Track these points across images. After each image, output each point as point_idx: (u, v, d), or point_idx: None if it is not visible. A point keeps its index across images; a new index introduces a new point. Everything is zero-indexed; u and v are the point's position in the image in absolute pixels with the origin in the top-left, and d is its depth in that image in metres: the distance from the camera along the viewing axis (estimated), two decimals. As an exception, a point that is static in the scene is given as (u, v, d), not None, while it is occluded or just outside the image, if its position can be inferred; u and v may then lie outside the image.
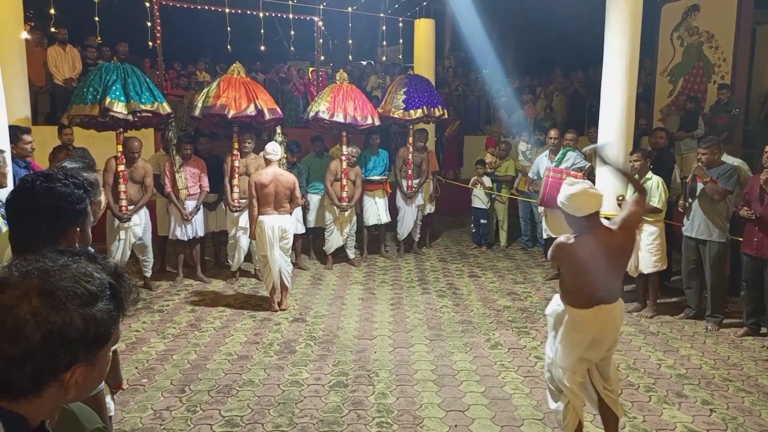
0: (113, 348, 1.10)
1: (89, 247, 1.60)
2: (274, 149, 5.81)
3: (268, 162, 5.79)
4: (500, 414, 3.82)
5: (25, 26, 7.48)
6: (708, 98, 9.26)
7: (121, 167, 6.07)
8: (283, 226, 5.73)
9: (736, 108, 8.70)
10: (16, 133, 4.82)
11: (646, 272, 5.66)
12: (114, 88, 5.80)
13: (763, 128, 8.76)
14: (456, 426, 3.67)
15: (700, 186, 5.30)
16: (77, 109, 5.88)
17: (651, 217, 5.55)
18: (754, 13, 9.13)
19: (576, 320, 3.07)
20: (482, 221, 8.47)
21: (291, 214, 5.92)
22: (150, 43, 9.15)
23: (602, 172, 6.08)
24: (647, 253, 5.60)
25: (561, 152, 6.71)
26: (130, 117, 5.88)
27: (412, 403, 3.97)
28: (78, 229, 1.64)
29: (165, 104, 6.18)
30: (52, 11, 8.03)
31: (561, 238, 3.11)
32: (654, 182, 5.52)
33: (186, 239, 6.65)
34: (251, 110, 6.33)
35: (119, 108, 5.77)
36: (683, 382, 4.31)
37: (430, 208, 8.31)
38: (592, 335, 3.07)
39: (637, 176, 5.64)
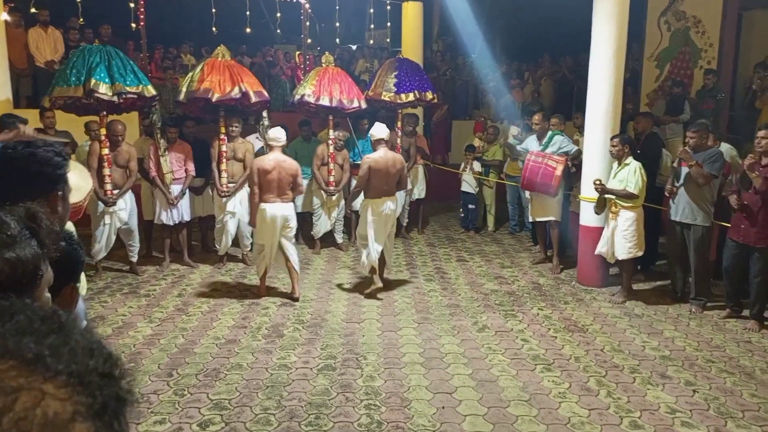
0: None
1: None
2: (278, 135, 5.55)
3: (271, 148, 5.55)
4: (487, 395, 3.86)
5: (4, 7, 7.32)
6: (694, 83, 9.32)
7: (105, 151, 5.99)
8: (285, 214, 5.56)
9: (722, 93, 8.77)
10: (13, 121, 4.86)
11: (620, 258, 5.64)
12: (98, 69, 5.69)
13: (748, 113, 8.82)
14: (443, 408, 3.70)
15: (685, 170, 5.33)
16: (60, 92, 5.76)
17: (627, 203, 5.52)
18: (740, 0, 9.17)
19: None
20: (470, 206, 8.49)
21: (293, 201, 5.74)
22: (133, 26, 9.00)
23: (588, 158, 6.12)
24: (622, 239, 5.57)
25: (548, 136, 6.72)
26: (115, 99, 5.78)
27: (400, 385, 3.99)
28: (60, 194, 1.66)
29: (150, 87, 6.09)
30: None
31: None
32: (632, 167, 5.49)
33: (172, 224, 6.60)
34: (236, 93, 6.26)
35: (104, 90, 5.67)
36: (667, 364, 4.38)
37: (419, 193, 8.30)
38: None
39: (615, 162, 5.67)
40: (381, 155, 5.62)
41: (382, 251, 5.82)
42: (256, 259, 5.86)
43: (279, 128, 5.74)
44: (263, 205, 5.49)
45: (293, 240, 5.81)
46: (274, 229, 5.52)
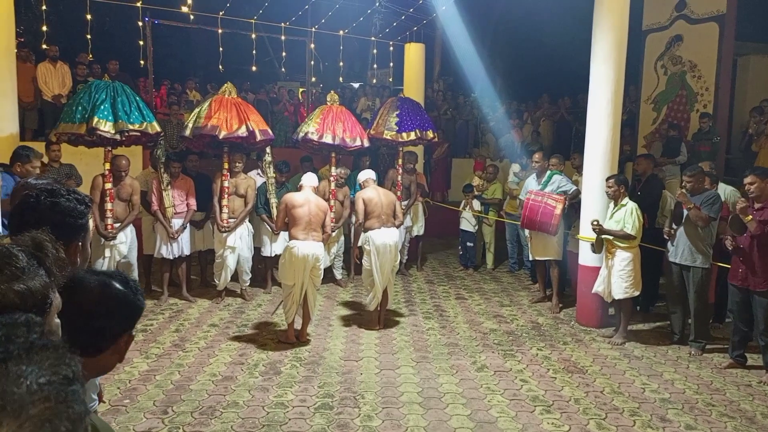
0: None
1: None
2: (310, 180, 5.63)
3: (301, 188, 5.57)
4: (486, 438, 3.80)
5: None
6: (691, 126, 9.47)
7: (108, 185, 6.04)
8: (316, 253, 5.34)
9: (718, 136, 8.90)
10: (28, 154, 5.03)
11: (617, 298, 5.64)
12: (102, 107, 5.76)
13: (744, 157, 8.94)
14: (441, 449, 3.65)
15: (684, 212, 5.37)
16: (65, 128, 5.86)
17: (624, 243, 5.55)
18: (735, 45, 9.40)
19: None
20: (469, 244, 8.52)
21: (323, 242, 5.56)
22: (142, 62, 9.19)
23: (586, 198, 6.18)
24: (619, 278, 5.58)
25: (547, 175, 6.80)
26: (117, 136, 5.85)
27: (398, 426, 3.95)
28: (80, 243, 1.65)
29: (154, 123, 6.16)
30: (45, 28, 8.05)
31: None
32: (629, 208, 5.54)
33: (171, 257, 6.61)
34: (242, 131, 6.35)
35: (106, 128, 5.73)
36: (667, 407, 4.33)
37: (418, 230, 8.34)
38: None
39: (612, 203, 5.72)
40: (371, 190, 5.96)
41: (385, 289, 5.89)
42: (285, 302, 5.49)
43: (311, 174, 5.82)
44: (293, 242, 5.31)
45: (319, 283, 5.64)
46: (304, 268, 5.29)
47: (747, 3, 9.38)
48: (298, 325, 5.56)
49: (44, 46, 8.70)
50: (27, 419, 0.60)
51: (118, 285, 1.42)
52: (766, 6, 9.89)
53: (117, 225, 6.08)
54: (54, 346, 0.72)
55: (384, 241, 5.79)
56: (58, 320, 1.09)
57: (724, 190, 5.97)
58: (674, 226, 5.48)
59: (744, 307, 5.01)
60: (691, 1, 9.40)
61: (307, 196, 5.45)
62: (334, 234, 7.34)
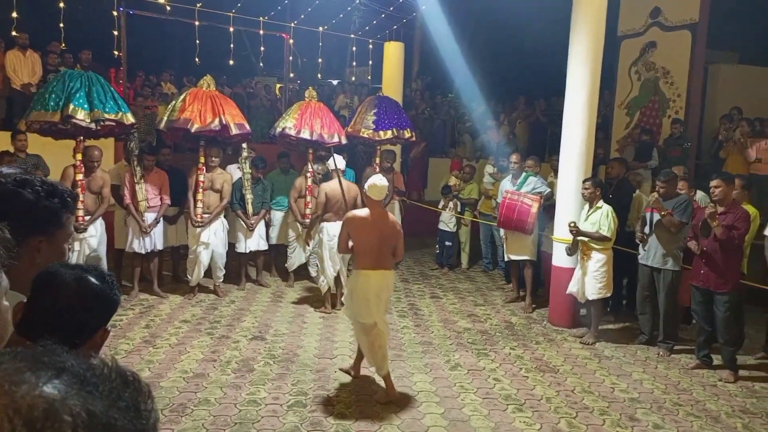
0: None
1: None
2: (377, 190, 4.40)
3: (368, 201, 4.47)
4: (458, 436, 3.83)
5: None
6: (662, 131, 9.67)
7: (80, 176, 5.91)
8: (388, 283, 4.44)
9: (688, 142, 9.11)
10: None
11: (590, 298, 5.74)
12: (78, 95, 5.63)
13: (714, 162, 9.16)
14: (414, 448, 3.65)
15: (655, 216, 5.48)
16: (37, 116, 5.69)
17: (599, 245, 5.64)
18: (707, 53, 9.62)
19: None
20: (447, 243, 8.56)
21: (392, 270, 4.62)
22: (116, 53, 9.00)
23: (561, 200, 6.26)
24: (593, 279, 5.68)
25: (522, 177, 6.86)
26: (92, 126, 5.73)
27: (372, 423, 3.94)
28: (41, 240, 1.58)
29: (129, 114, 6.05)
30: (15, 15, 7.82)
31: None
32: (604, 211, 5.63)
33: (143, 252, 6.49)
34: (215, 125, 6.27)
35: (82, 116, 5.61)
36: (636, 406, 4.41)
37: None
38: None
39: (587, 205, 5.82)
40: (334, 183, 6.01)
41: (338, 276, 6.25)
42: (370, 353, 4.36)
43: (378, 176, 4.58)
44: (364, 272, 4.31)
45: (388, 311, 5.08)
46: (378, 296, 4.32)
47: (718, 13, 9.62)
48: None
49: (14, 33, 8.45)
50: None
51: (94, 279, 1.40)
52: (737, 16, 10.17)
53: (87, 218, 5.95)
54: None
55: (336, 232, 5.73)
56: (6, 303, 1.05)
57: (700, 197, 6.14)
58: (646, 231, 5.58)
59: (706, 308, 5.14)
60: (666, 8, 9.60)
61: (373, 215, 4.34)
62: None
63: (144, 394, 0.69)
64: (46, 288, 1.37)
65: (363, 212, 4.41)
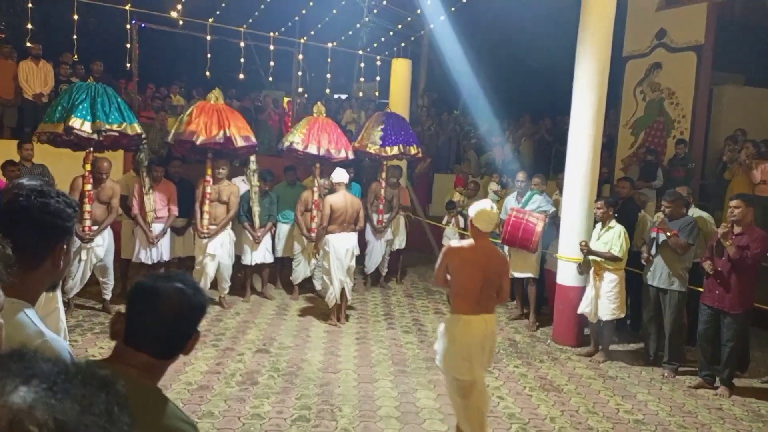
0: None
1: None
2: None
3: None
4: (462, 454, 3.81)
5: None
6: (667, 152, 9.70)
7: (88, 187, 5.96)
8: (492, 330, 3.93)
9: (693, 163, 9.13)
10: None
11: (604, 319, 5.73)
12: (81, 107, 5.68)
13: (718, 183, 9.18)
14: (418, 465, 3.65)
15: (661, 236, 5.48)
16: (44, 127, 5.84)
17: (611, 265, 5.64)
18: (712, 75, 9.68)
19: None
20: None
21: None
22: (128, 65, 9.12)
23: (567, 218, 6.28)
24: (606, 300, 5.67)
25: (528, 195, 6.89)
26: (94, 136, 5.76)
27: (375, 440, 3.94)
28: (65, 246, 1.64)
29: (135, 125, 6.06)
30: (29, 26, 7.94)
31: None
32: (616, 231, 5.65)
33: (150, 263, 6.53)
34: (220, 137, 6.33)
35: (84, 127, 5.65)
36: (640, 428, 4.39)
37: (399, 243, 8.37)
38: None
39: (599, 224, 5.83)
40: (340, 196, 6.32)
41: (343, 289, 6.37)
42: (469, 424, 3.69)
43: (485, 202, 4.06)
44: (463, 316, 3.71)
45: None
46: (482, 350, 3.75)
47: (724, 35, 9.68)
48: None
49: (28, 44, 8.59)
50: None
51: (188, 289, 1.50)
52: (742, 38, 10.23)
53: (95, 228, 6.00)
54: None
55: (342, 244, 6.32)
56: (1, 320, 1.07)
57: (699, 215, 6.12)
58: (652, 252, 5.58)
59: (711, 326, 5.14)
60: (671, 30, 9.67)
61: (479, 247, 3.74)
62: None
63: (121, 397, 0.67)
64: (149, 301, 1.48)
65: (467, 243, 3.77)
